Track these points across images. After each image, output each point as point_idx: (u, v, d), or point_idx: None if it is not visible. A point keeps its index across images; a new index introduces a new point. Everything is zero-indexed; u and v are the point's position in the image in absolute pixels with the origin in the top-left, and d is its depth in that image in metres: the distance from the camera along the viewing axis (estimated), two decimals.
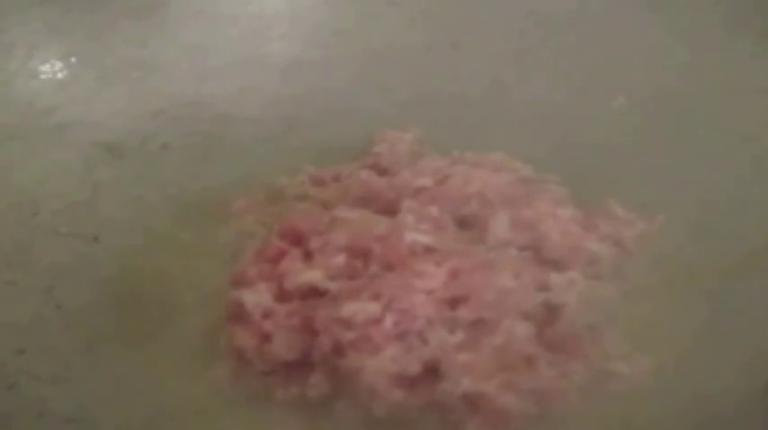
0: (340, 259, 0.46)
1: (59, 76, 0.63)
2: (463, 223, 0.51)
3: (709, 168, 0.56)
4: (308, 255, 0.48)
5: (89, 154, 0.61)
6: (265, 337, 0.45)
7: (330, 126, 0.63)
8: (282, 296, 0.46)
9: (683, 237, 0.52)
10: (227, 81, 0.66)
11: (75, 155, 0.60)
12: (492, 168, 0.55)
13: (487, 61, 0.66)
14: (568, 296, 0.46)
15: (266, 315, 0.46)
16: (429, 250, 0.46)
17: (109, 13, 0.66)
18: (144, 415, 0.45)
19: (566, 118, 0.61)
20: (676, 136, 0.59)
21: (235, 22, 0.69)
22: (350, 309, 0.43)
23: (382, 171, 0.56)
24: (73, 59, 0.64)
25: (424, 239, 0.47)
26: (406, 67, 0.67)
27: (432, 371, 0.43)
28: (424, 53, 0.68)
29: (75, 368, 0.47)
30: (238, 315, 0.47)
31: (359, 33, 0.69)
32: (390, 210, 0.52)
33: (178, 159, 0.61)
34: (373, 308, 0.43)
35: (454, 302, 0.44)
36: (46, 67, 0.63)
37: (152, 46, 0.66)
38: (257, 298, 0.46)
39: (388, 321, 0.43)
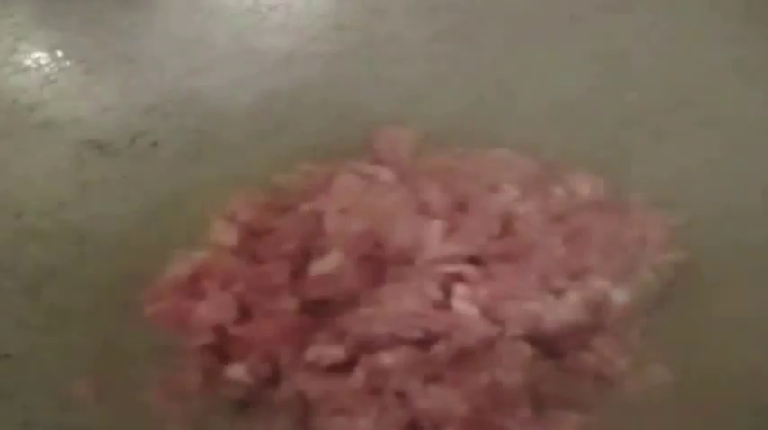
0: None
1: (45, 70, 0.61)
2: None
3: (728, 165, 0.54)
4: None
5: (76, 152, 0.59)
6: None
7: (328, 122, 0.61)
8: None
9: (703, 237, 0.50)
10: (221, 76, 0.64)
11: (62, 153, 0.59)
12: (498, 165, 0.53)
13: (492, 54, 0.64)
14: (575, 302, 0.44)
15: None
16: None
17: (97, 4, 0.64)
18: (129, 425, 0.44)
19: (575, 113, 0.59)
20: (691, 132, 0.56)
21: (228, 13, 0.67)
22: (313, 352, 0.41)
23: None
24: (59, 53, 0.62)
25: None
26: (407, 60, 0.65)
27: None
28: (426, 46, 0.66)
29: (62, 375, 0.46)
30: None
31: (358, 25, 0.67)
32: None
33: (169, 157, 0.60)
34: (337, 351, 0.41)
35: (427, 340, 0.42)
36: (31, 61, 0.61)
37: (142, 39, 0.64)
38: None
39: (359, 376, 0.41)
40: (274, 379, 0.43)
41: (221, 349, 0.44)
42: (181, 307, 0.44)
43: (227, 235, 0.48)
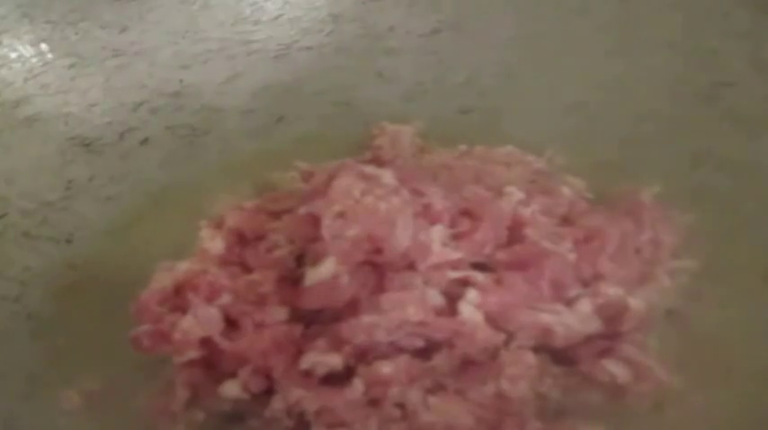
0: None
1: (30, 64, 0.61)
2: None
3: (735, 161, 0.52)
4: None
5: (62, 149, 0.58)
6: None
7: (325, 118, 0.60)
8: None
9: (714, 235, 0.48)
10: (214, 69, 0.63)
11: (48, 150, 0.58)
12: (503, 162, 0.51)
13: (496, 47, 0.63)
14: (588, 311, 0.42)
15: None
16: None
17: None
18: None
19: (582, 108, 0.58)
20: (701, 130, 0.55)
21: (222, 5, 0.66)
22: (309, 359, 0.39)
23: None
24: (44, 46, 0.62)
25: None
26: (407, 53, 0.64)
27: None
28: (428, 38, 0.65)
29: (47, 382, 0.45)
30: None
31: (357, 17, 0.66)
32: None
33: (159, 155, 0.59)
34: (334, 360, 0.39)
35: (428, 349, 0.40)
36: (15, 55, 0.61)
37: (131, 31, 0.64)
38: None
39: (358, 386, 0.39)
40: (268, 391, 0.41)
41: (210, 363, 0.42)
42: (164, 323, 0.42)
43: (213, 243, 0.46)
